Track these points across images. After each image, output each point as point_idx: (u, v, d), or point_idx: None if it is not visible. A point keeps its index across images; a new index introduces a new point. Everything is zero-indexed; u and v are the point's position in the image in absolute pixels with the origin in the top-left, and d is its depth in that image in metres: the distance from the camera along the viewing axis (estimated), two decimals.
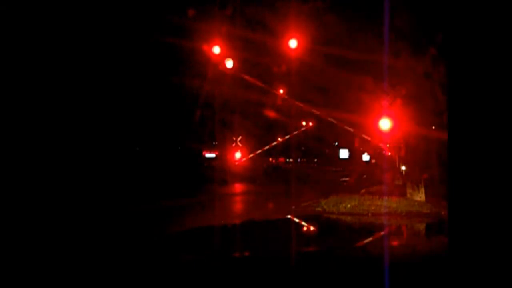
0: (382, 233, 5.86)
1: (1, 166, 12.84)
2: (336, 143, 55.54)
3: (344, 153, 56.82)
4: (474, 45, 2.18)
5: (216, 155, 31.31)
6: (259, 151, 20.94)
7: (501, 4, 2.11)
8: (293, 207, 8.51)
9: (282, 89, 12.80)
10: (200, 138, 27.69)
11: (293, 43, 9.23)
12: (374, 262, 3.37)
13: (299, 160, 48.13)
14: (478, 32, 2.16)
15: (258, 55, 10.64)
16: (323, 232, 5.48)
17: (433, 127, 8.74)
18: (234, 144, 22.33)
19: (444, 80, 7.30)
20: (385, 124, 8.14)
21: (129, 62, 16.46)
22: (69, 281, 2.89)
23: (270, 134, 24.29)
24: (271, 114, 17.62)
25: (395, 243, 4.88)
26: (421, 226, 6.37)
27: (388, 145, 14.17)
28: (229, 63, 9.89)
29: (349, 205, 7.45)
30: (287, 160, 45.67)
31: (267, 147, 20.85)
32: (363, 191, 11.22)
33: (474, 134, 2.12)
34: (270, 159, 42.83)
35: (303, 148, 45.49)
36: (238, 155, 20.86)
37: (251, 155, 21.00)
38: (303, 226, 6.17)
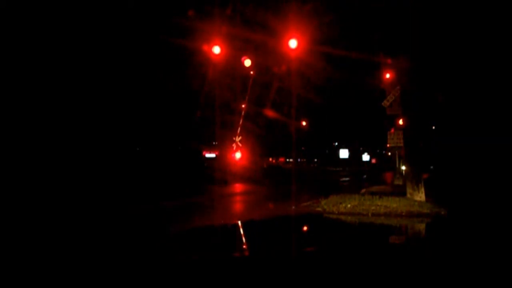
0: (382, 233, 5.86)
1: (3, 165, 12.86)
2: (336, 143, 55.68)
3: (344, 153, 56.81)
4: None
5: (216, 155, 31.32)
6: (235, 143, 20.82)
7: None
8: (293, 207, 8.51)
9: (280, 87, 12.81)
10: (200, 138, 27.73)
11: (293, 43, 9.24)
12: (374, 261, 3.38)
13: (299, 160, 48.19)
14: None
15: (258, 55, 10.65)
16: (323, 232, 5.48)
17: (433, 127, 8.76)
18: (234, 144, 22.33)
19: None
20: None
21: (129, 62, 16.48)
22: (70, 281, 2.89)
23: (270, 133, 24.32)
24: (270, 113, 17.64)
25: (395, 242, 4.89)
26: (421, 226, 6.38)
27: (387, 145, 14.20)
28: (247, 62, 10.05)
29: (349, 205, 7.43)
30: (287, 160, 45.71)
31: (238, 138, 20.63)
32: (363, 191, 11.21)
33: None
34: (270, 159, 42.90)
35: (303, 148, 45.43)
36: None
37: (235, 151, 20.97)
38: (303, 226, 6.17)
